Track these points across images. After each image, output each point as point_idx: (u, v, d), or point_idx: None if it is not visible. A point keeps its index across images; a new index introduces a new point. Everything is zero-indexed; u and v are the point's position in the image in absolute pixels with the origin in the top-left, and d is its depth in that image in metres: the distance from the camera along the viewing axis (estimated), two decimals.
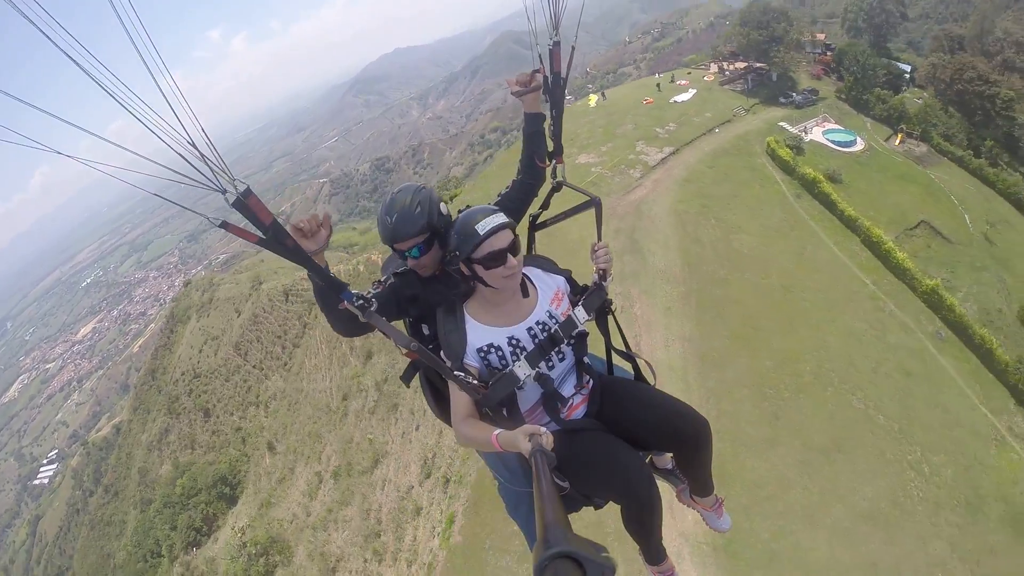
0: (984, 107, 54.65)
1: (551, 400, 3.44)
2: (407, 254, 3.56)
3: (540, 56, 3.67)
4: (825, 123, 51.87)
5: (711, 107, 55.00)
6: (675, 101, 56.89)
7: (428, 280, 3.66)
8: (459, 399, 3.22)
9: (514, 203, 3.97)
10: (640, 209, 38.63)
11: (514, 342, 3.31)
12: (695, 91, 59.44)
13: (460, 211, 3.48)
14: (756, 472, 24.06)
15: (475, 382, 3.19)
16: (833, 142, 48.72)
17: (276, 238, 2.80)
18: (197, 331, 77.04)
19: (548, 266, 3.76)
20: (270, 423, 54.74)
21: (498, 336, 3.31)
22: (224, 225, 2.66)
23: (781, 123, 50.49)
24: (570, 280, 3.75)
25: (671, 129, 50.00)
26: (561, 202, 3.83)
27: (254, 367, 63.39)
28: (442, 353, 3.30)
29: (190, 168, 2.34)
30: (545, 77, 3.72)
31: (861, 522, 22.67)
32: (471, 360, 3.27)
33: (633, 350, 3.81)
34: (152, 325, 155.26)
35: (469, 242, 3.18)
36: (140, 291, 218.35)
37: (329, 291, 3.14)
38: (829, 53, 63.17)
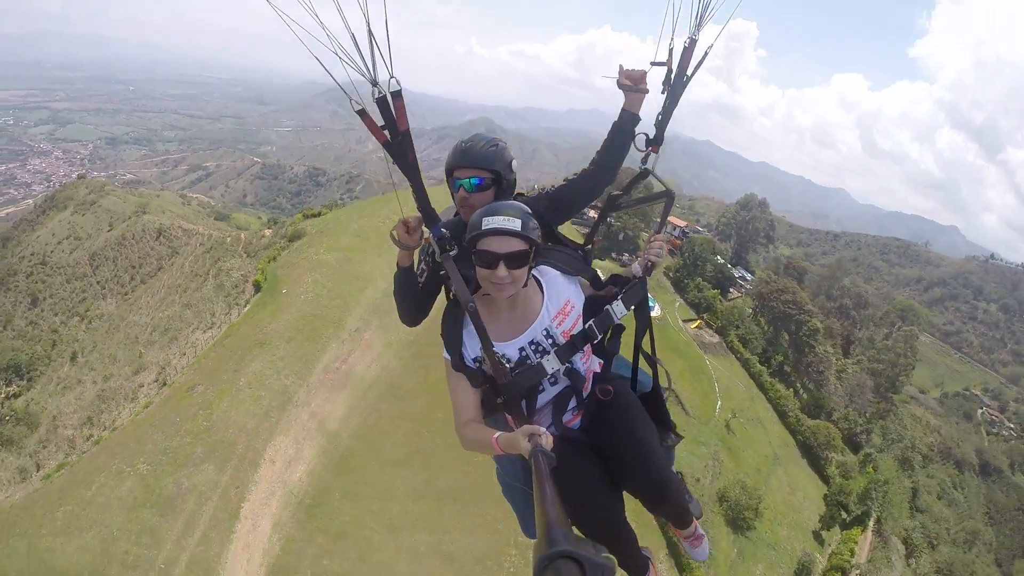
0: (790, 328, 61.25)
1: (565, 399, 3.43)
2: (462, 183, 3.66)
3: (671, 49, 3.67)
4: None
5: None
6: None
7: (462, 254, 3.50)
8: (461, 402, 3.25)
9: (573, 195, 4.00)
10: None
11: (505, 360, 3.23)
12: None
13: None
14: (380, 478, 28.31)
15: (506, 366, 3.16)
16: None
17: (402, 147, 3.00)
18: (65, 223, 76.59)
19: (572, 265, 3.62)
20: (84, 338, 56.01)
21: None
22: (362, 112, 2.84)
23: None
24: (595, 280, 3.69)
25: None
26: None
27: (97, 282, 64.20)
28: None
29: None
30: (670, 69, 3.73)
31: (437, 558, 25.80)
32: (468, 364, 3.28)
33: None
34: (29, 201, 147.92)
35: (472, 229, 3.11)
36: (37, 163, 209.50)
37: (409, 283, 3.52)
38: (683, 238, 70.59)
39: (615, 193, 4.29)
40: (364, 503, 26.92)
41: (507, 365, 3.18)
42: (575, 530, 2.48)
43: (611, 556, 2.53)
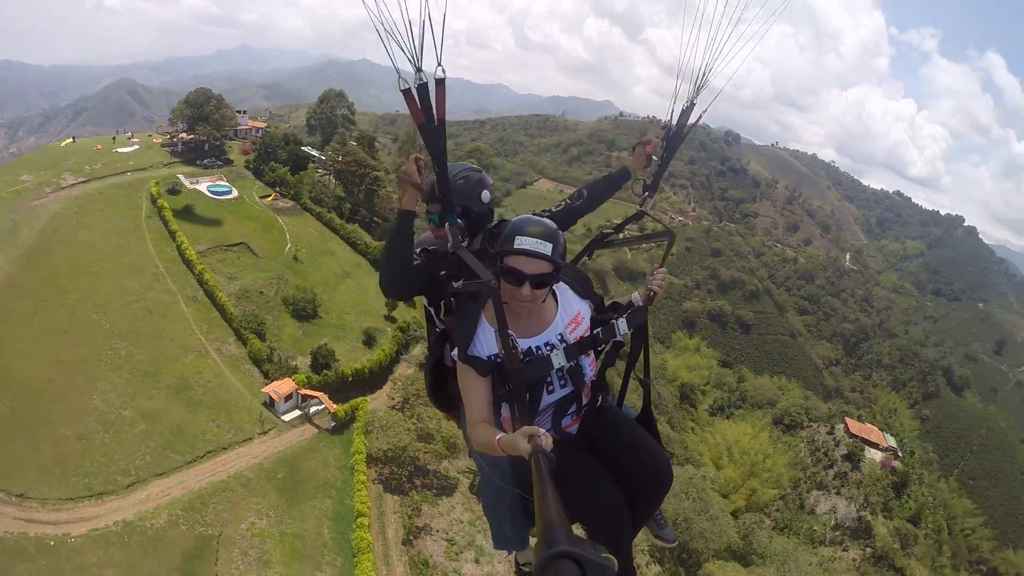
0: (354, 180, 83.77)
1: (566, 404, 3.90)
2: (432, 217, 3.99)
3: (672, 110, 4.53)
4: (217, 180, 77.17)
5: (139, 158, 79.79)
6: (117, 151, 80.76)
7: (455, 264, 3.97)
8: (473, 402, 3.58)
9: (562, 222, 4.41)
10: (35, 209, 61.72)
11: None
12: (138, 147, 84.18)
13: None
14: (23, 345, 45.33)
15: (518, 351, 3.54)
16: (211, 191, 73.91)
17: (436, 134, 3.42)
18: None
19: (581, 284, 4.11)
20: None
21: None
22: (407, 92, 3.21)
23: (180, 175, 75.28)
24: (600, 305, 4.18)
25: (96, 168, 73.62)
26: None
27: None
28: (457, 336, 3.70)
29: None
30: (671, 127, 4.59)
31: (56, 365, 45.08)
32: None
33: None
34: None
35: (503, 243, 3.44)
36: None
37: (407, 235, 3.87)
38: (262, 136, 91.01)
39: (607, 231, 4.86)
40: (43, 350, 44.28)
41: (519, 352, 3.52)
42: (577, 528, 2.72)
43: (611, 556, 2.78)
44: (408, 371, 56.17)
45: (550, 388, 3.77)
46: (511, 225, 3.48)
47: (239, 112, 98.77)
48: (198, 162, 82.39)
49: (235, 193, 76.24)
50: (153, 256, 60.08)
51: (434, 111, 3.37)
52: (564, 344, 3.73)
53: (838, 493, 69.51)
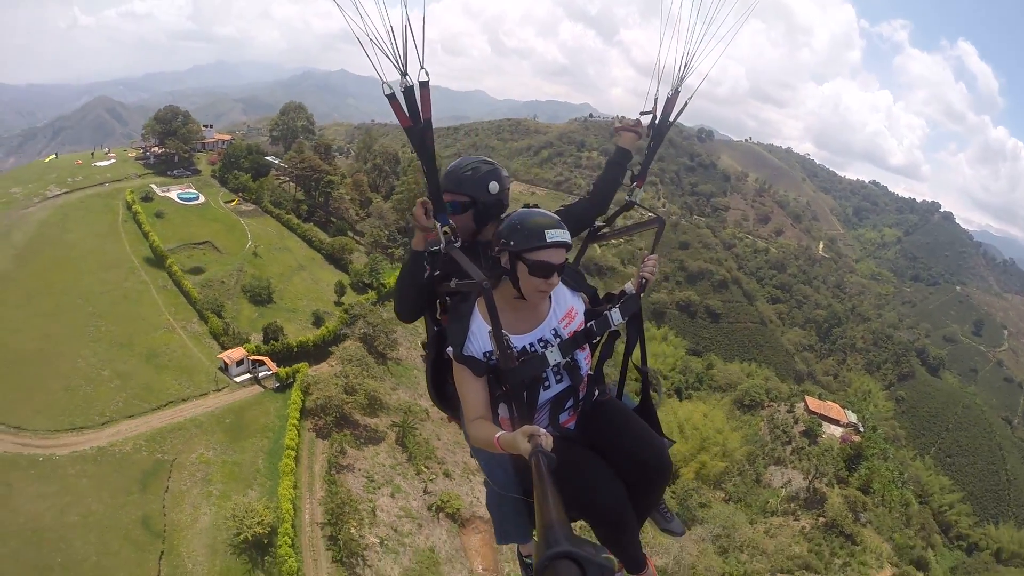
0: (311, 184, 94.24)
1: (563, 399, 3.91)
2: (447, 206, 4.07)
3: (656, 99, 4.55)
4: (186, 188, 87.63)
5: (115, 171, 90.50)
6: (96, 165, 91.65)
7: (448, 263, 3.94)
8: (470, 399, 3.63)
9: (574, 220, 4.53)
10: (25, 216, 72.52)
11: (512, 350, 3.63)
12: (114, 161, 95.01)
13: (526, 205, 3.98)
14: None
15: (513, 351, 3.59)
16: (180, 198, 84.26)
17: (424, 133, 3.51)
18: None
19: (575, 279, 4.16)
20: None
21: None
22: (391, 96, 3.30)
23: (152, 184, 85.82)
24: (594, 297, 4.28)
25: (77, 180, 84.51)
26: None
27: None
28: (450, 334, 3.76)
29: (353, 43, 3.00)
30: (654, 117, 4.63)
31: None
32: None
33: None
34: None
35: (529, 240, 3.46)
36: None
37: (417, 270, 3.94)
38: (226, 148, 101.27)
39: (599, 224, 4.94)
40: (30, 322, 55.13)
41: (512, 351, 3.57)
42: (579, 524, 2.79)
43: (611, 557, 2.73)
44: (352, 346, 65.78)
45: (546, 384, 3.85)
46: (522, 220, 3.58)
47: (205, 126, 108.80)
48: (169, 172, 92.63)
49: (202, 199, 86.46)
50: (129, 253, 70.13)
51: (420, 112, 3.52)
52: (559, 339, 3.84)
53: (794, 467, 73.83)
